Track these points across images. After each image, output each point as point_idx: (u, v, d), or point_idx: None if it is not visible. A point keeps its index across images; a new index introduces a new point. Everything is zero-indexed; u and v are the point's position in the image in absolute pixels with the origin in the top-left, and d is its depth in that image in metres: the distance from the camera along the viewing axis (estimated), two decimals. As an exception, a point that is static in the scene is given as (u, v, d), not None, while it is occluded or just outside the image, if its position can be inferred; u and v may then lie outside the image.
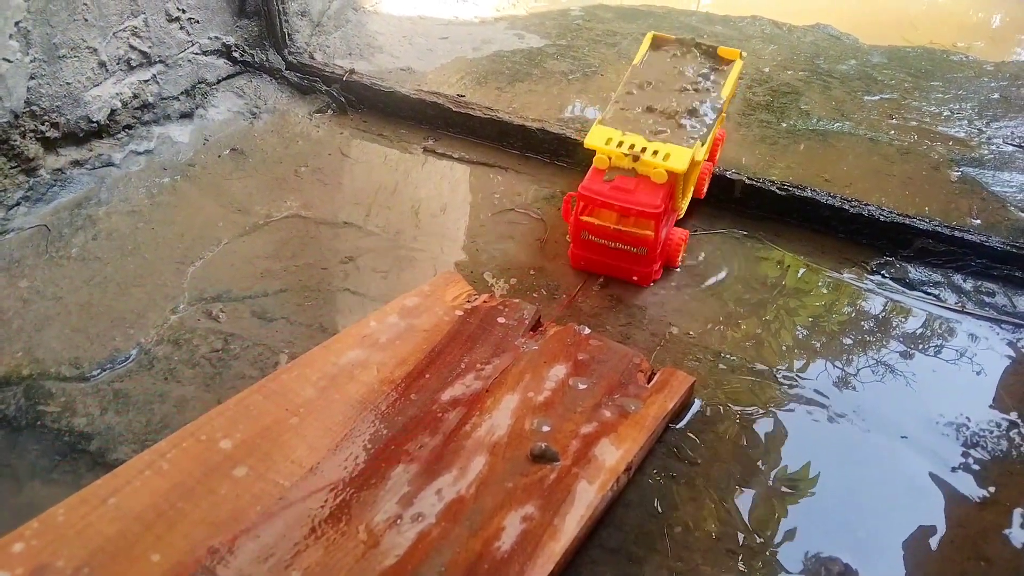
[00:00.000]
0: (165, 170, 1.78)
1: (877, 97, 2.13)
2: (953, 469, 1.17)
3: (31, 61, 1.53)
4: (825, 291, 1.50)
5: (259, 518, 0.97)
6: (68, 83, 1.61)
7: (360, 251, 1.57)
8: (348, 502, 1.00)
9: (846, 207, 1.60)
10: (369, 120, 2.02)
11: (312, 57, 2.12)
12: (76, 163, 1.69)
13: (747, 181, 1.67)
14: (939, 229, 1.55)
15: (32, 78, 1.54)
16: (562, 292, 1.48)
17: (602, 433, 1.12)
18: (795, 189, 1.64)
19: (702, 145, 1.43)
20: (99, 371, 1.27)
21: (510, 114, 1.91)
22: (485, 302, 1.36)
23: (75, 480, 1.09)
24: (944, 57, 2.41)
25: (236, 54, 2.01)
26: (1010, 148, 1.90)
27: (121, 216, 1.62)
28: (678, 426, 1.21)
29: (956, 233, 1.54)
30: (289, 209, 1.68)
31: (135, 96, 1.77)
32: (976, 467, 1.17)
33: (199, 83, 1.93)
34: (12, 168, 1.57)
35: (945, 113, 2.06)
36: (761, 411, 1.24)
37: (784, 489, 1.12)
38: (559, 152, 1.85)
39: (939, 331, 1.43)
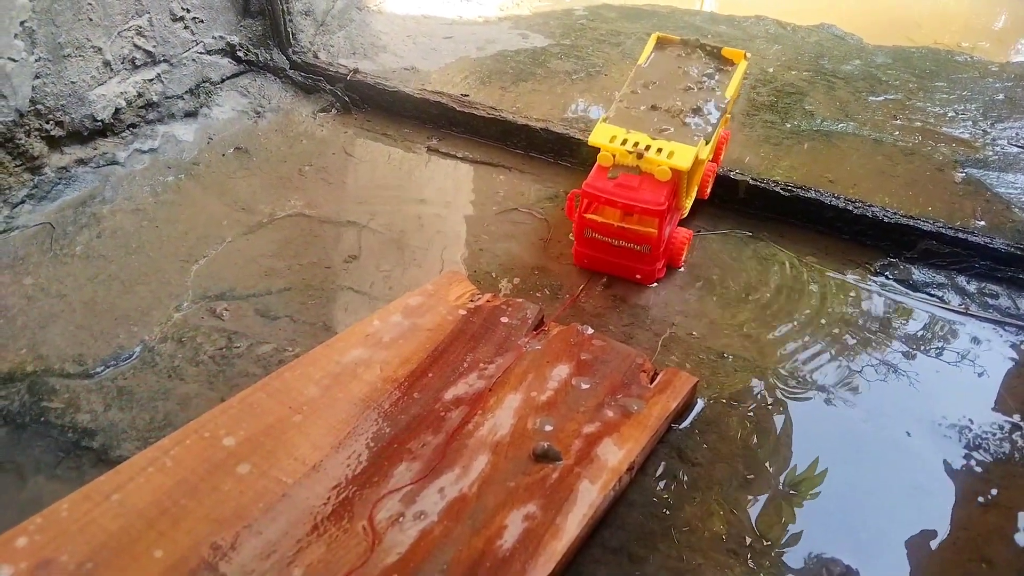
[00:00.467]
0: (169, 169, 1.78)
1: (881, 97, 2.13)
2: (956, 471, 1.17)
3: (36, 60, 1.53)
4: (828, 292, 1.50)
5: (262, 515, 0.98)
6: (73, 82, 1.62)
7: (364, 250, 1.57)
8: (351, 500, 1.01)
9: (850, 208, 1.60)
10: (373, 119, 2.02)
11: (316, 56, 2.13)
12: (81, 161, 1.69)
13: (751, 181, 1.67)
14: (943, 231, 1.55)
15: (37, 77, 1.55)
16: (565, 292, 1.48)
17: (604, 433, 1.12)
18: (799, 190, 1.64)
19: (706, 143, 1.43)
20: (103, 368, 1.28)
21: (514, 114, 1.91)
22: (488, 301, 1.36)
23: (79, 476, 1.09)
24: (948, 58, 2.40)
25: (240, 53, 2.02)
26: (1015, 149, 1.90)
27: (125, 214, 1.63)
28: (681, 426, 1.21)
29: (960, 235, 1.54)
30: (293, 208, 1.68)
31: (139, 95, 1.78)
32: (979, 469, 1.17)
33: (203, 82, 1.94)
34: (17, 166, 1.58)
35: (949, 114, 2.05)
36: (764, 412, 1.24)
37: (786, 490, 1.12)
38: (563, 152, 1.86)
39: (942, 333, 1.42)
